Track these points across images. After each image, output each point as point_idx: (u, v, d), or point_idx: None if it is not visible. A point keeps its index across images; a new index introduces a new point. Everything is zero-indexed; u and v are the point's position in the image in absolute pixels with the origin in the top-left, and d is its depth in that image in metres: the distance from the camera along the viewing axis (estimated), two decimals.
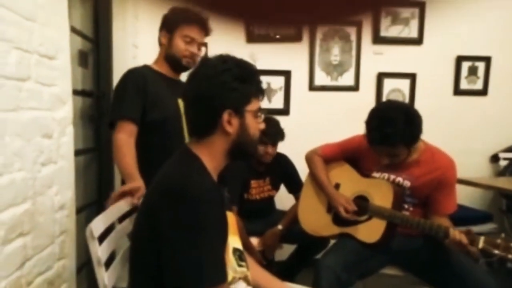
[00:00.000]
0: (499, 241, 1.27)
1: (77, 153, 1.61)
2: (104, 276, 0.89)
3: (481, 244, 1.30)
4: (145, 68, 1.69)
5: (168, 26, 1.63)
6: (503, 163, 2.73)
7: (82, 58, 1.88)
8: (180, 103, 1.62)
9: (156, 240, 0.82)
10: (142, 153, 1.52)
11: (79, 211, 1.58)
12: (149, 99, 1.55)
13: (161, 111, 1.57)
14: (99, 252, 0.87)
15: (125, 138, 1.49)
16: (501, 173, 2.71)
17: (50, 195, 1.26)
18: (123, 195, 1.26)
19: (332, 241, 1.84)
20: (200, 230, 0.80)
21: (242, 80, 0.94)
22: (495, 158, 2.81)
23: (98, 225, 0.91)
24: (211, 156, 0.95)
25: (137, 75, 1.61)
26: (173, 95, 1.62)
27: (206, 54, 2.55)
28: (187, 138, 1.62)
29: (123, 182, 1.58)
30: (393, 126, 1.45)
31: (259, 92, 0.98)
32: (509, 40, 2.80)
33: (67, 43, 1.39)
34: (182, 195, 0.82)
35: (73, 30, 1.69)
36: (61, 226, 1.33)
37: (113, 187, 2.05)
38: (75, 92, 1.66)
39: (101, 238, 0.96)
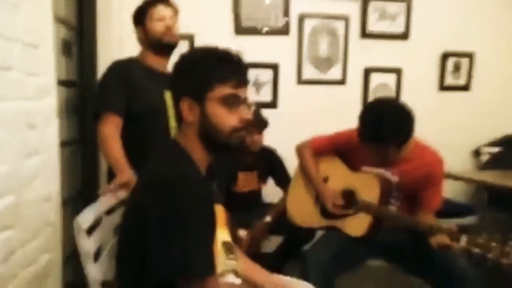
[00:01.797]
0: (480, 240, 1.28)
1: (62, 144, 1.58)
2: (93, 269, 0.87)
3: (463, 242, 1.32)
4: (131, 60, 1.70)
5: (138, 19, 1.69)
6: (485, 157, 2.80)
7: (65, 48, 1.84)
8: (167, 94, 1.63)
9: (143, 234, 0.81)
10: (127, 144, 1.52)
11: (64, 203, 1.55)
12: (133, 90, 1.57)
13: (145, 102, 1.58)
14: (88, 245, 0.86)
15: (110, 130, 1.50)
16: (483, 167, 2.78)
17: (35, 187, 1.23)
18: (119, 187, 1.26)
19: (319, 232, 1.87)
20: (186, 223, 0.80)
21: (200, 65, 0.91)
22: (477, 153, 2.88)
23: (86, 218, 0.90)
24: (191, 147, 0.94)
25: (121, 66, 1.62)
26: (159, 87, 1.61)
27: (193, 45, 2.53)
28: (172, 130, 1.63)
29: (110, 173, 1.57)
30: (387, 126, 1.45)
31: (227, 77, 0.90)
32: (492, 36, 2.86)
33: (51, 32, 1.36)
34: (169, 188, 0.81)
35: (57, 18, 1.65)
36: (46, 219, 1.30)
37: (98, 178, 2.02)
38: (59, 82, 1.62)
39: (89, 231, 0.95)
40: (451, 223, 1.69)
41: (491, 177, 2.35)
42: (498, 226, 2.63)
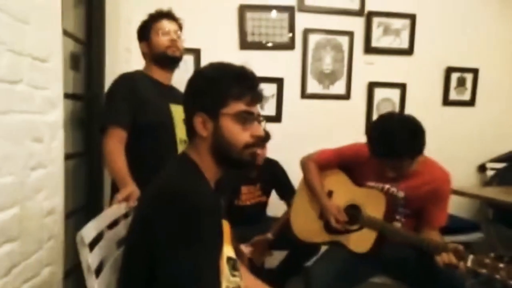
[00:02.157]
0: (487, 260, 1.26)
1: (67, 157, 1.58)
2: (95, 284, 0.87)
3: (469, 263, 1.30)
4: (137, 73, 1.72)
5: (143, 34, 1.73)
6: (490, 173, 2.78)
7: (74, 61, 1.86)
8: (172, 108, 1.66)
9: (151, 248, 0.81)
10: (133, 158, 1.53)
11: (67, 216, 1.55)
12: (139, 104, 1.58)
13: (152, 115, 1.59)
14: (90, 259, 0.86)
15: (115, 144, 1.51)
16: (488, 183, 2.76)
17: (39, 200, 1.24)
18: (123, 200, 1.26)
19: (323, 248, 1.85)
20: (196, 240, 0.79)
21: (215, 82, 0.92)
22: (482, 168, 2.86)
23: (89, 231, 0.90)
24: (203, 162, 0.95)
25: (127, 79, 1.64)
26: (165, 100, 1.64)
27: (199, 59, 2.56)
28: (179, 144, 1.64)
29: (113, 187, 1.57)
30: (399, 139, 1.43)
31: (241, 94, 0.92)
32: (496, 53, 2.87)
33: (59, 46, 1.38)
34: (180, 203, 0.81)
35: (66, 33, 1.67)
36: (49, 232, 1.30)
37: (103, 191, 2.02)
38: (66, 96, 1.64)
39: (91, 245, 0.95)
40: (457, 239, 1.67)
41: (496, 193, 2.33)
42: (503, 242, 2.60)
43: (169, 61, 1.70)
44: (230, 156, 0.94)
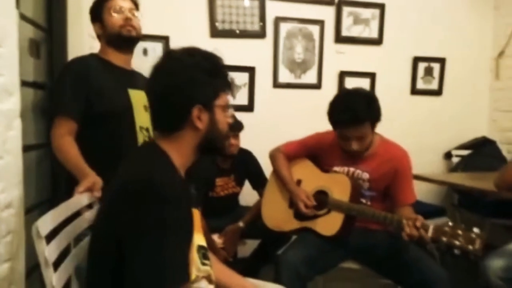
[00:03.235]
0: (446, 228, 1.33)
1: (28, 148, 1.51)
2: (52, 278, 0.83)
3: (430, 232, 1.36)
4: (90, 56, 1.60)
5: (95, 14, 1.59)
6: (455, 159, 2.88)
7: (33, 48, 1.77)
8: (131, 93, 1.55)
9: (118, 239, 0.79)
10: (91, 149, 1.44)
11: (30, 209, 1.48)
12: (92, 91, 1.46)
13: (107, 102, 1.49)
14: (46, 252, 0.82)
15: (63, 136, 1.43)
16: (453, 169, 2.86)
17: None
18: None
19: (295, 237, 1.87)
20: (165, 230, 0.78)
21: (210, 74, 0.92)
22: (448, 155, 2.96)
23: (45, 223, 0.86)
24: (180, 152, 0.93)
25: (78, 64, 1.53)
26: (122, 85, 1.54)
27: (168, 47, 2.50)
28: (138, 131, 1.54)
29: (69, 181, 1.47)
30: (358, 104, 1.54)
31: (227, 85, 0.97)
32: (462, 43, 2.96)
33: (15, 30, 1.30)
34: (149, 192, 0.79)
35: (24, 17, 1.58)
36: (7, 226, 1.24)
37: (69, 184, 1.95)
38: (26, 84, 1.56)
39: (50, 237, 0.91)
40: None
41: (461, 179, 2.42)
42: (468, 226, 2.71)
43: (125, 42, 1.56)
44: (218, 146, 0.98)
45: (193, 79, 0.90)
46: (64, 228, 0.96)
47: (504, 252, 1.54)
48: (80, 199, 1.08)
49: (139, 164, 0.90)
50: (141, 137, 1.52)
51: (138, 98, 1.54)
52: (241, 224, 2.10)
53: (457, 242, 1.29)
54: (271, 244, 2.15)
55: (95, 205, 1.17)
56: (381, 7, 2.77)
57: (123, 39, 1.55)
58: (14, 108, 1.29)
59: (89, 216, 1.10)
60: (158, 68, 0.95)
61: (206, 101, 0.92)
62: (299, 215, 1.77)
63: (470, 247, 1.26)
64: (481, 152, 2.82)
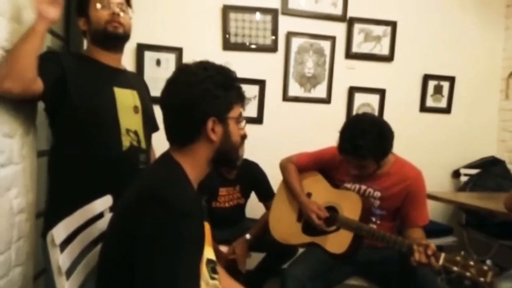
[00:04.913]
0: (458, 258, 1.31)
1: (40, 154, 1.54)
2: (65, 286, 0.84)
3: (441, 261, 1.33)
4: (75, 53, 1.48)
5: (80, 9, 1.42)
6: (463, 178, 2.86)
7: None
8: (117, 92, 1.41)
9: (131, 249, 0.80)
10: (71, 153, 1.32)
11: (38, 215, 1.50)
12: (71, 82, 1.30)
13: (88, 98, 1.33)
14: (61, 261, 0.83)
15: None
16: (461, 188, 2.83)
17: (9, 198, 1.19)
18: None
19: (301, 250, 1.86)
20: (180, 243, 0.78)
21: (224, 87, 0.93)
22: (456, 174, 2.94)
23: (60, 231, 0.87)
24: (194, 165, 0.93)
25: (56, 53, 1.38)
26: (107, 83, 1.40)
27: (181, 58, 2.53)
28: (124, 134, 1.39)
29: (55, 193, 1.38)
30: (365, 140, 1.49)
31: (240, 98, 0.98)
32: (472, 62, 2.96)
33: None
34: (164, 205, 0.79)
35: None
36: (19, 231, 1.26)
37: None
38: None
39: (63, 245, 0.92)
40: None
41: (468, 198, 2.40)
42: (475, 245, 2.68)
43: (110, 40, 1.39)
44: (231, 158, 0.99)
45: (207, 92, 0.91)
46: (76, 236, 0.97)
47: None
48: (93, 207, 1.09)
49: (154, 176, 0.91)
50: (127, 140, 1.38)
51: (126, 98, 1.43)
52: (248, 236, 2.10)
53: (468, 274, 1.26)
54: (276, 257, 2.14)
55: (106, 213, 1.18)
56: (393, 24, 2.80)
57: (109, 37, 1.38)
58: (31, 115, 1.32)
59: (100, 225, 1.11)
60: (172, 82, 0.96)
61: (220, 113, 0.93)
62: (307, 230, 1.77)
63: (482, 279, 1.24)
64: (490, 171, 2.80)
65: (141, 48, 2.46)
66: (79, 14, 1.44)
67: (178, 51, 2.53)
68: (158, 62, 2.52)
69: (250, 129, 2.22)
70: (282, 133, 2.71)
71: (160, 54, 2.51)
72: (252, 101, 2.68)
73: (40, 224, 1.45)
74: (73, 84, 1.30)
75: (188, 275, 0.80)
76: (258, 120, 2.70)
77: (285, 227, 1.87)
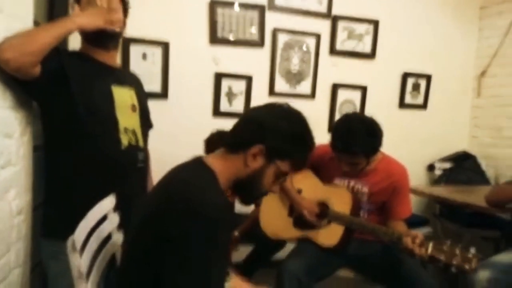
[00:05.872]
0: (445, 247, 1.39)
1: (34, 149, 1.49)
2: None
3: (430, 250, 1.41)
4: (72, 52, 1.44)
5: (72, 6, 1.37)
6: (438, 172, 3.02)
7: None
8: (115, 90, 1.40)
9: (160, 250, 0.81)
10: (70, 152, 1.32)
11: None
12: (73, 83, 1.28)
13: (89, 98, 1.31)
14: (82, 266, 0.84)
15: None
16: (436, 181, 2.99)
17: (8, 200, 1.17)
18: None
19: (288, 244, 1.92)
20: (213, 249, 0.81)
21: (294, 140, 0.96)
22: (431, 167, 3.10)
23: (79, 236, 0.87)
24: (224, 173, 0.95)
25: (59, 50, 1.31)
26: (104, 80, 1.38)
27: (168, 52, 2.49)
28: (122, 132, 1.38)
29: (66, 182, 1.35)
30: (356, 137, 1.57)
31: (298, 162, 1.00)
32: (447, 61, 3.10)
33: None
34: (199, 211, 0.81)
35: (37, 24, 1.57)
36: (18, 233, 1.23)
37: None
38: None
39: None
40: None
41: (443, 191, 2.54)
42: (449, 235, 2.84)
43: (102, 38, 1.35)
44: (248, 193, 1.01)
45: (279, 127, 0.94)
46: (89, 239, 0.97)
47: (489, 264, 1.64)
48: (100, 208, 1.09)
49: (188, 178, 0.91)
50: (125, 139, 1.37)
51: (124, 97, 1.42)
52: (236, 233, 2.13)
53: (454, 262, 1.34)
54: (265, 249, 2.20)
55: (110, 214, 1.18)
56: (375, 23, 2.88)
57: (100, 35, 1.33)
58: (28, 114, 1.29)
59: (107, 225, 1.11)
60: (267, 105, 1.03)
61: (272, 151, 0.95)
62: (298, 224, 1.82)
63: (467, 266, 1.32)
64: (462, 165, 2.97)
65: (127, 42, 2.41)
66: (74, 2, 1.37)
67: (165, 45, 2.50)
68: (144, 56, 2.48)
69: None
70: None
71: (146, 48, 2.47)
72: (239, 96, 2.69)
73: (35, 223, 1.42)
74: (74, 80, 1.28)
75: (218, 277, 0.83)
76: None
77: (276, 222, 1.92)
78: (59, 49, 1.34)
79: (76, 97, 1.28)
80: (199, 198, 0.84)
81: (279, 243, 2.14)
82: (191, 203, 0.82)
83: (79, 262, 0.83)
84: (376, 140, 1.64)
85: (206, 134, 2.18)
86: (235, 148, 0.96)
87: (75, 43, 1.56)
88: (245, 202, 1.05)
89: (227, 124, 2.57)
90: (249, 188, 0.99)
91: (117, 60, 1.52)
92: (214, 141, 2.16)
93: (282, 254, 2.05)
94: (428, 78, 3.06)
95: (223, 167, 0.95)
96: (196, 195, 0.84)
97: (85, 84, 1.32)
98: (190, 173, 0.94)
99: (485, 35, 3.11)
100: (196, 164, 0.97)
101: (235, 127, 1.00)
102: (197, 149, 2.22)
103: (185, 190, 0.86)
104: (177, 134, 2.52)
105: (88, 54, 1.39)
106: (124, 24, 1.44)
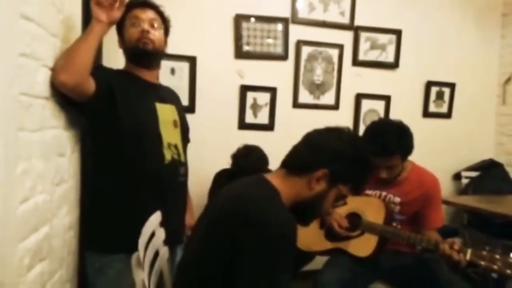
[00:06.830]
0: (484, 252, 1.38)
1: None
2: None
3: (468, 256, 1.40)
4: (117, 70, 1.49)
5: (118, 26, 1.44)
6: (464, 181, 2.99)
7: None
8: (158, 107, 1.45)
9: (229, 264, 0.84)
10: (114, 165, 1.35)
11: None
12: (117, 98, 1.33)
13: (133, 113, 1.36)
14: (146, 280, 0.87)
15: None
16: (463, 190, 2.96)
17: (62, 216, 1.21)
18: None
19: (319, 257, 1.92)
20: (284, 266, 0.83)
21: (357, 164, 0.99)
22: (457, 176, 3.07)
23: (141, 250, 0.91)
24: (287, 195, 0.97)
25: (106, 69, 1.41)
26: (149, 98, 1.43)
27: (195, 66, 2.55)
28: (166, 148, 1.43)
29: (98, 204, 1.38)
30: (391, 137, 1.60)
31: (358, 186, 1.03)
32: (471, 69, 3.10)
33: None
34: (272, 229, 0.84)
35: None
36: (69, 248, 1.28)
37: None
38: None
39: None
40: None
41: (471, 201, 2.52)
42: (478, 245, 2.80)
43: (141, 56, 1.41)
44: (309, 215, 1.04)
45: (344, 153, 0.98)
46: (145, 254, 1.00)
47: None
48: (151, 224, 1.12)
49: (255, 194, 0.94)
50: (168, 154, 1.42)
51: (166, 113, 1.48)
52: None
53: (495, 267, 1.33)
54: (296, 262, 2.20)
55: (157, 230, 1.21)
56: (398, 33, 2.89)
57: (139, 54, 1.41)
58: (77, 133, 1.34)
59: (155, 241, 1.15)
60: (328, 129, 1.07)
61: (336, 175, 0.97)
62: (330, 236, 1.83)
63: (508, 271, 1.31)
64: (489, 174, 2.94)
65: None
66: (118, 32, 1.47)
67: (192, 60, 2.55)
68: (172, 71, 2.54)
69: (262, 135, 2.30)
70: (293, 139, 2.72)
71: (174, 63, 2.53)
72: (263, 108, 2.73)
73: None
74: (121, 98, 1.33)
75: None
76: (269, 127, 2.75)
77: (308, 234, 1.92)
78: (105, 68, 1.42)
79: (123, 113, 1.33)
80: (272, 215, 0.87)
81: (308, 256, 2.14)
82: (264, 220, 0.85)
83: (144, 277, 0.86)
84: (409, 138, 1.66)
85: (232, 146, 2.21)
86: (298, 170, 0.98)
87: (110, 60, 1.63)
88: (303, 223, 1.06)
89: (252, 136, 2.63)
90: (310, 210, 1.01)
91: (159, 77, 1.57)
92: (241, 156, 2.20)
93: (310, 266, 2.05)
94: (452, 86, 3.05)
95: (285, 187, 0.98)
96: (268, 212, 0.87)
97: (130, 102, 1.37)
98: (261, 191, 0.96)
99: (508, 42, 3.10)
100: (261, 182, 0.99)
101: (297, 150, 1.03)
102: (223, 163, 2.27)
103: (255, 206, 0.89)
104: (204, 148, 2.56)
105: (132, 72, 1.44)
106: (165, 43, 1.50)
